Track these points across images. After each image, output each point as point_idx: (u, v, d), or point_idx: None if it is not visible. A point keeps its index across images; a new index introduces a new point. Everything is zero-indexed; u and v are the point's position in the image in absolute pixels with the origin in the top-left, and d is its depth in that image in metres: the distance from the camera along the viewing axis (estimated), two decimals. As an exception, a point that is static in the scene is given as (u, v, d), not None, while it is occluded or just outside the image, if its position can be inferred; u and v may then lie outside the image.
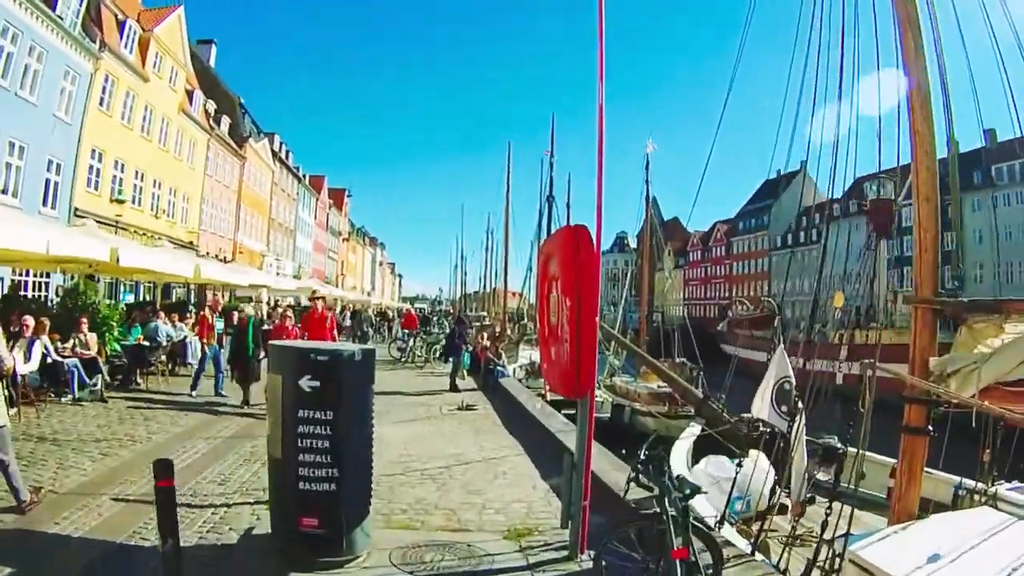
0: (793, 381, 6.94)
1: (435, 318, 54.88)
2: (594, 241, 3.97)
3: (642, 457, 4.45)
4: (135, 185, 28.22)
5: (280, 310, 14.47)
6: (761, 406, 7.01)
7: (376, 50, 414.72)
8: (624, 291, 36.24)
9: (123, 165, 27.01)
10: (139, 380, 13.83)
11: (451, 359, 17.90)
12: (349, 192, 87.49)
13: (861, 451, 5.43)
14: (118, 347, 13.73)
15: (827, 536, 4.63)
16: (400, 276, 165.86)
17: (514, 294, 55.22)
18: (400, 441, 9.92)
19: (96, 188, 25.04)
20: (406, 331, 28.12)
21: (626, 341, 16.54)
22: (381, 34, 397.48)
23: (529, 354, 27.90)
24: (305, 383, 4.90)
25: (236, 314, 13.73)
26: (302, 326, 12.36)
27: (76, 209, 23.63)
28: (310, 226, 63.83)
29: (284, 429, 5.01)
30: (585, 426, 4.41)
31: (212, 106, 37.85)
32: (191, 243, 32.62)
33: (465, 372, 17.88)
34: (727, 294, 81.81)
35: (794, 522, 6.00)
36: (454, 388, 16.33)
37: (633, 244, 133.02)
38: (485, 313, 61.89)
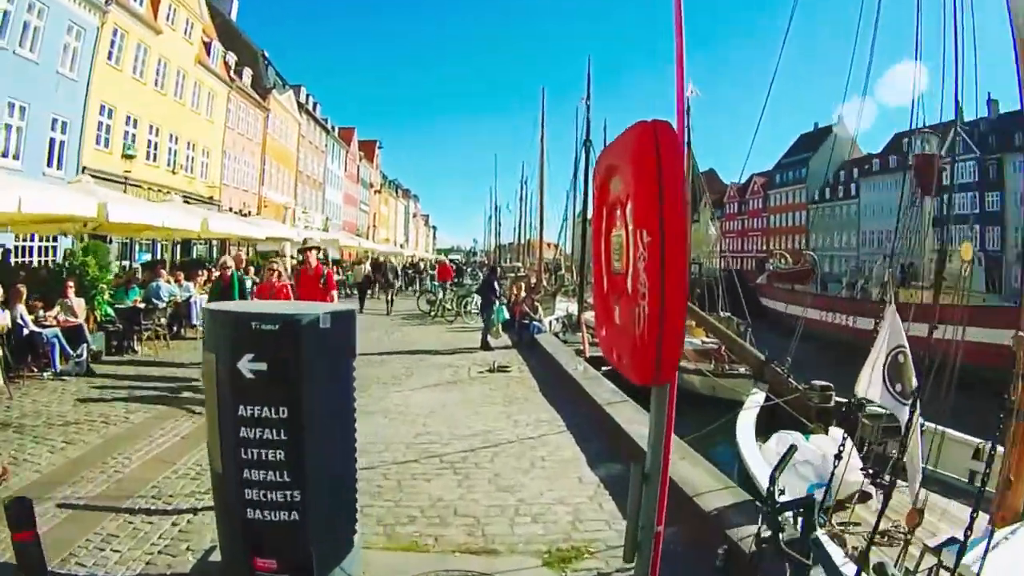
0: (909, 352, 5.30)
1: (468, 269, 53.09)
2: (679, 143, 2.32)
3: (778, 497, 2.87)
4: (149, 140, 26.97)
5: (269, 263, 12.56)
6: (870, 384, 5.38)
7: (406, 3, 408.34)
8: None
9: (136, 120, 25.70)
10: (136, 347, 12.60)
11: (483, 314, 16.27)
12: (380, 144, 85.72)
13: (1008, 450, 4.39)
14: (111, 311, 12.43)
15: (931, 543, 3.69)
16: (434, 228, 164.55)
17: (549, 245, 53.46)
18: (420, 413, 8.55)
19: (107, 146, 23.82)
20: (437, 284, 26.71)
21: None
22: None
23: (566, 306, 26.34)
24: (246, 366, 3.35)
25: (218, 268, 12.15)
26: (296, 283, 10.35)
27: (84, 168, 22.43)
28: (340, 178, 62.39)
29: (222, 433, 3.50)
30: (662, 425, 2.78)
31: (232, 58, 36.21)
32: (211, 198, 31.37)
33: (500, 327, 16.29)
34: (764, 247, 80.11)
35: (908, 534, 4.39)
36: (485, 346, 14.75)
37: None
38: (520, 264, 60.27)
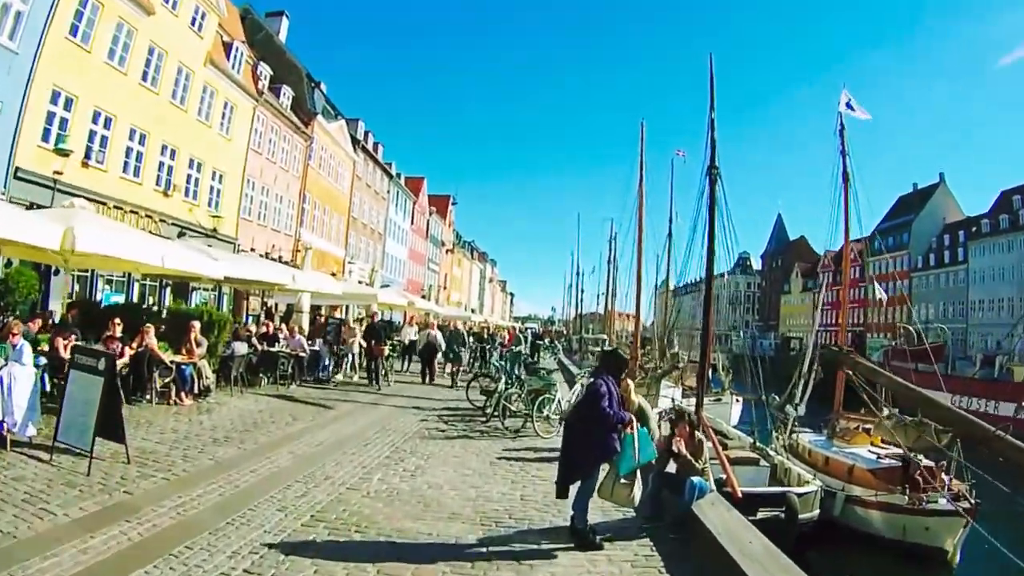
0: None
1: (545, 341, 41.17)
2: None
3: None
4: (130, 149, 20.75)
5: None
6: None
7: (485, 62, 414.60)
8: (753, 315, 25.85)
9: (110, 119, 19.58)
10: None
11: (588, 465, 6.35)
12: (454, 199, 79.51)
13: None
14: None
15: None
16: (511, 295, 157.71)
17: (629, 316, 44.59)
18: None
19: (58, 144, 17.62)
20: (496, 361, 18.54)
21: (902, 381, 7.30)
22: (491, 40, 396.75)
23: (672, 395, 18.29)
24: None
25: None
26: None
27: (18, 168, 16.31)
28: (405, 232, 56.14)
29: None
30: None
31: (267, 71, 30.37)
32: (214, 230, 24.53)
33: (635, 484, 6.33)
34: (861, 320, 72.54)
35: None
36: (585, 542, 6.00)
37: (756, 265, 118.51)
38: (605, 336, 50.98)
